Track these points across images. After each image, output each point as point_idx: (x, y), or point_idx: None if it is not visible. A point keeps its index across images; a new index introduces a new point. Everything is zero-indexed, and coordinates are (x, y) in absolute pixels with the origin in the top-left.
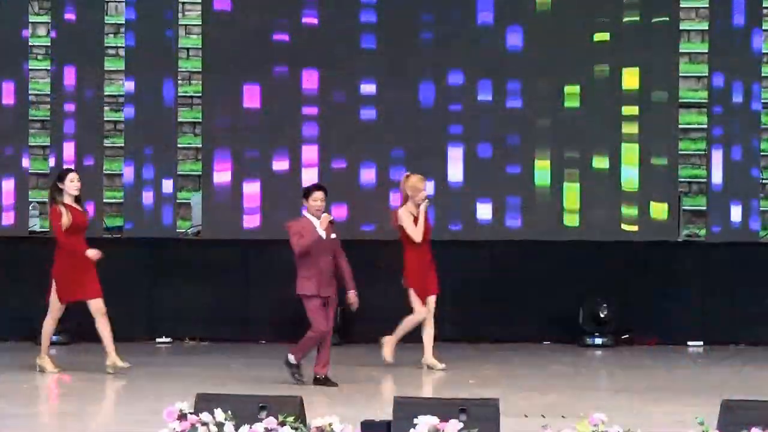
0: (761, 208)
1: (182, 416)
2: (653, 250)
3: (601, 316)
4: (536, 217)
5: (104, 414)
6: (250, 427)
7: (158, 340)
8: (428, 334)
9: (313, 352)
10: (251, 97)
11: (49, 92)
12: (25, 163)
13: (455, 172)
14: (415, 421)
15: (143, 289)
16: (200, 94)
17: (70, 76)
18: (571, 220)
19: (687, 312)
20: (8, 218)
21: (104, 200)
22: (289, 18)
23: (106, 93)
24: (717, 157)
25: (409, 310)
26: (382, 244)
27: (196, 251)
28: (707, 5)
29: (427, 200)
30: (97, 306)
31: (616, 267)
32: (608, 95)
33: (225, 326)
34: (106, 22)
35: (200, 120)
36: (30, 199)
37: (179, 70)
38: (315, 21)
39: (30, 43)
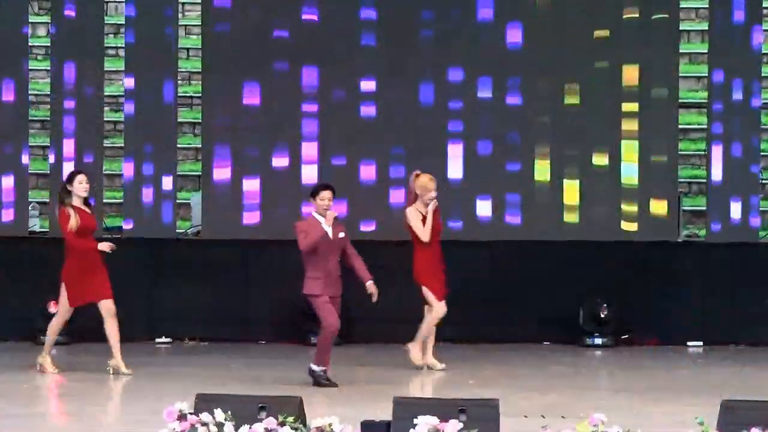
0: (761, 208)
1: (182, 416)
2: (653, 250)
3: (601, 316)
4: (536, 214)
5: (104, 414)
6: (250, 428)
7: (158, 340)
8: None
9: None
10: (251, 94)
11: (49, 92)
12: (25, 160)
13: (455, 169)
14: (415, 421)
15: (143, 289)
16: (200, 94)
17: (69, 73)
18: (571, 217)
19: (687, 312)
20: (8, 215)
21: (104, 200)
22: (289, 15)
23: (105, 93)
24: (717, 153)
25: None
26: (382, 244)
27: (196, 251)
28: (707, 6)
29: (435, 200)
30: (107, 307)
31: (616, 267)
32: (608, 92)
33: (225, 326)
34: (106, 22)
35: (200, 120)
36: (30, 199)
37: (179, 70)
38: (315, 18)
39: (30, 43)
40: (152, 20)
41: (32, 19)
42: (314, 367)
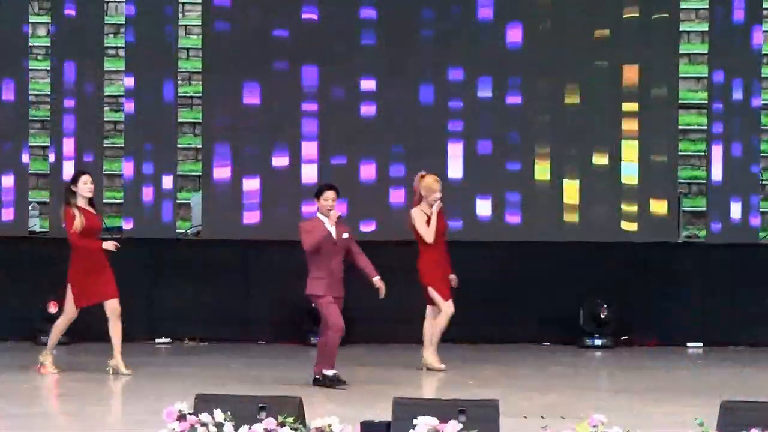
0: (761, 209)
1: (182, 417)
2: (653, 251)
3: (601, 316)
4: (536, 213)
5: (104, 414)
6: (250, 428)
7: (158, 340)
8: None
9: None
10: (251, 94)
11: (49, 92)
12: (25, 159)
13: (455, 168)
14: (415, 421)
15: (143, 289)
16: (200, 94)
17: (69, 72)
18: (571, 216)
19: (687, 313)
20: (8, 214)
21: (104, 200)
22: (289, 14)
23: (105, 93)
24: (717, 153)
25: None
26: (382, 244)
27: (196, 251)
28: (707, 6)
29: (438, 201)
30: (112, 307)
31: (616, 267)
32: (608, 92)
33: (225, 326)
34: (106, 22)
35: (200, 120)
36: (30, 199)
37: (179, 70)
38: (315, 17)
39: (30, 44)
40: (152, 20)
41: (32, 19)
42: (327, 373)
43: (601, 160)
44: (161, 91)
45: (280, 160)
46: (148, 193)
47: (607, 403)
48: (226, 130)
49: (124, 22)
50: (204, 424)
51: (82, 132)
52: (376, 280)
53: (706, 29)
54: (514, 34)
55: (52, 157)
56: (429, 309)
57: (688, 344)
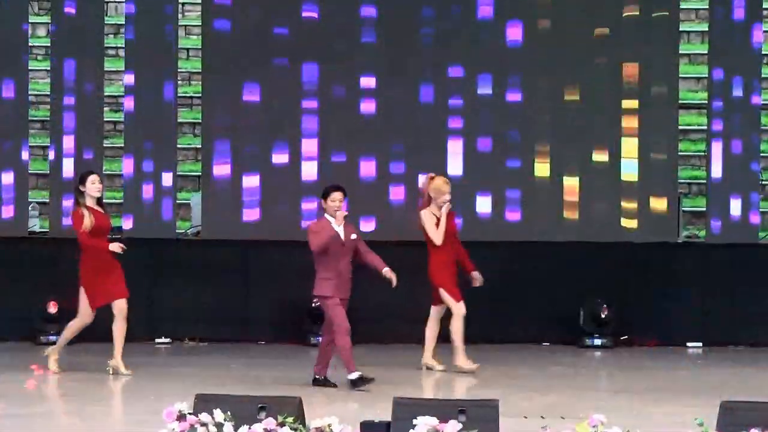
0: (761, 209)
1: (181, 417)
2: (653, 251)
3: (601, 316)
4: (536, 211)
5: (104, 414)
6: (249, 428)
7: (158, 340)
8: (430, 336)
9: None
10: (251, 91)
11: (48, 92)
12: (25, 156)
13: (455, 166)
14: (415, 421)
15: (143, 289)
16: (200, 94)
17: (69, 71)
18: (571, 214)
19: (687, 313)
20: (7, 212)
21: (104, 200)
22: (289, 13)
23: (105, 93)
24: (717, 151)
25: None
26: (382, 244)
27: (196, 251)
28: (707, 6)
29: (448, 203)
30: (120, 307)
31: (616, 267)
32: (608, 90)
33: (225, 326)
34: (105, 22)
35: (200, 120)
36: (30, 199)
37: (179, 70)
38: (315, 15)
39: (30, 43)
40: (152, 19)
41: (32, 18)
42: (352, 377)
43: (601, 157)
44: (161, 91)
45: (280, 158)
46: (147, 191)
47: (607, 403)
48: (226, 129)
49: (123, 22)
50: (204, 424)
51: (82, 132)
52: (386, 270)
53: (706, 29)
54: (514, 33)
55: (51, 156)
56: (433, 310)
57: (688, 344)
